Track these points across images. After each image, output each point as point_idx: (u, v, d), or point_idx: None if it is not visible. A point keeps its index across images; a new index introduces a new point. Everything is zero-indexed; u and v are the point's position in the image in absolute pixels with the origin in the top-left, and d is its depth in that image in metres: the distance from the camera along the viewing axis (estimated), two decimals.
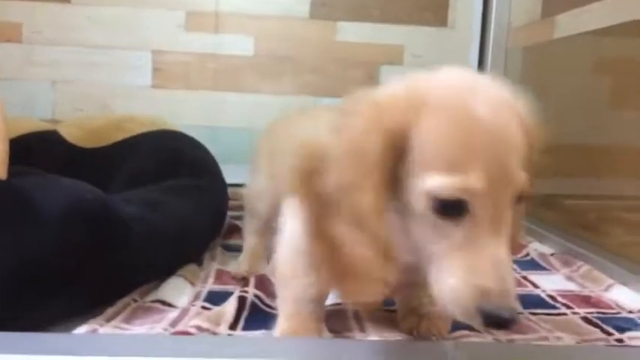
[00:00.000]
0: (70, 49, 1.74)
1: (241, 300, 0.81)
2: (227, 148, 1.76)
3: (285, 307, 0.72)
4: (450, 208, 0.49)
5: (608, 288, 0.99)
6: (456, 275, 0.49)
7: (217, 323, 0.75)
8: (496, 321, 0.47)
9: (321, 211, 0.52)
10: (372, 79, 1.81)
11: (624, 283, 0.98)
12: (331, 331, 0.75)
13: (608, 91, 1.26)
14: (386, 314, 0.82)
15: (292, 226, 0.67)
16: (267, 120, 1.77)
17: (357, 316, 0.82)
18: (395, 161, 0.51)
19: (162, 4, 1.73)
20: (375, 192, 0.50)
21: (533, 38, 1.55)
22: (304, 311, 0.70)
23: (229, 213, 1.49)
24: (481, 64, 1.78)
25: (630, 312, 0.89)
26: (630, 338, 0.77)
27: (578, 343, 0.75)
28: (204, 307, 0.83)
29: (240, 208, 1.56)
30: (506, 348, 0.70)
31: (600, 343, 0.75)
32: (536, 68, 1.58)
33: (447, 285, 0.49)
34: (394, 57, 1.80)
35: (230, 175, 1.74)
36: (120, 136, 1.25)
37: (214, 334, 0.73)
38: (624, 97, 1.20)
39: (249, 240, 1.08)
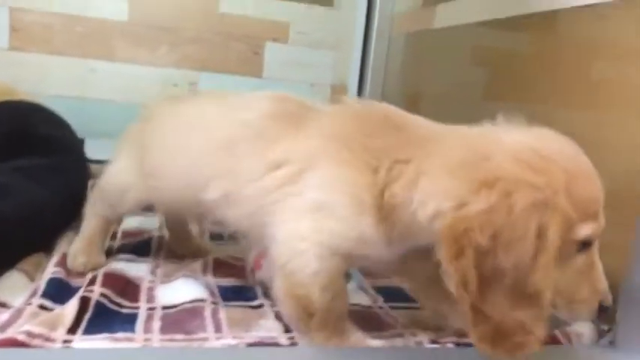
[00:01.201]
0: None
1: (84, 301, 0.74)
2: (96, 122, 1.63)
3: (325, 333, 0.68)
4: (589, 241, 0.59)
5: None
6: (585, 290, 0.60)
7: (54, 327, 0.68)
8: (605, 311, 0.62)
9: (475, 281, 0.55)
10: (256, 54, 1.75)
11: None
12: None
13: (483, 83, 1.30)
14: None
15: (315, 253, 0.65)
16: (142, 93, 1.68)
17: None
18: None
19: None
20: (552, 269, 0.56)
21: (414, 26, 1.56)
22: (345, 322, 0.70)
23: None
24: (365, 47, 1.78)
25: None
26: None
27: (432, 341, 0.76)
28: (41, 306, 0.74)
29: None
30: None
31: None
32: (417, 56, 1.60)
33: (580, 297, 0.61)
34: (279, 34, 1.75)
35: (98, 151, 1.62)
36: None
37: (48, 339, 0.65)
38: (499, 89, 1.24)
39: (91, 223, 0.94)
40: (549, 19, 0.99)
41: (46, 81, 1.59)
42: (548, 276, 0.55)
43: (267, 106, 0.76)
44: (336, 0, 1.78)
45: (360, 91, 1.81)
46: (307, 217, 0.66)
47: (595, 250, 0.61)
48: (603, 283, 0.61)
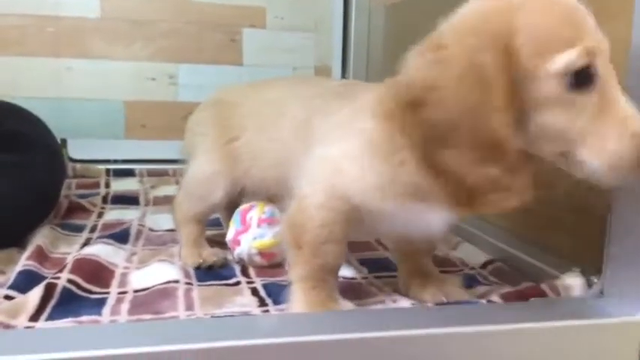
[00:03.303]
0: None
1: (50, 287, 0.71)
2: (75, 122, 1.61)
3: (307, 277, 0.67)
4: (583, 78, 0.52)
5: (456, 246, 0.99)
6: (611, 138, 0.51)
7: (15, 315, 0.65)
8: None
9: (429, 139, 0.53)
10: (234, 42, 1.72)
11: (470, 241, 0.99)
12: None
13: None
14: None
15: (325, 188, 0.66)
16: (120, 89, 1.65)
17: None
18: (510, 70, 0.52)
19: None
20: (506, 106, 0.51)
21: None
22: (331, 280, 0.68)
23: (75, 191, 1.37)
24: (345, 24, 1.74)
25: (472, 268, 0.89)
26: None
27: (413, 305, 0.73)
28: (6, 297, 0.72)
29: (93, 185, 1.45)
30: None
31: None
32: (398, 26, 1.56)
33: (604, 154, 0.52)
34: (256, 19, 1.72)
35: (80, 150, 1.61)
36: None
37: (7, 327, 0.63)
38: None
39: (187, 230, 0.93)
40: None
41: (22, 83, 1.57)
42: (503, 121, 0.51)
43: (336, 89, 0.80)
44: None
45: (344, 70, 1.78)
46: (327, 164, 0.67)
47: (610, 83, 0.53)
48: (634, 120, 0.52)
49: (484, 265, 0.89)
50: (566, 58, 0.51)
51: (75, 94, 1.61)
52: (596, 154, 0.52)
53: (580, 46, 0.51)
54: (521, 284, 0.77)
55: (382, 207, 0.64)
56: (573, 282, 0.72)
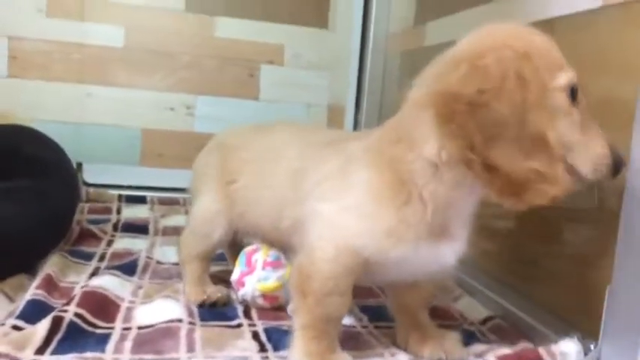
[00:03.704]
0: None
1: (57, 320, 0.73)
2: (92, 146, 1.65)
3: (309, 326, 0.69)
4: (574, 95, 0.63)
5: (457, 298, 1.00)
6: (595, 144, 0.64)
7: (21, 347, 0.67)
8: (621, 162, 0.64)
9: (481, 138, 0.58)
10: (252, 77, 1.76)
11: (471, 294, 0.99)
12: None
13: None
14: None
15: (335, 244, 0.67)
16: (138, 117, 1.69)
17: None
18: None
19: None
20: (543, 104, 0.60)
21: (407, 45, 1.56)
22: (333, 331, 0.70)
23: (87, 216, 1.39)
24: (361, 65, 1.78)
25: (471, 323, 0.90)
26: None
27: None
28: (14, 327, 0.74)
29: (105, 211, 1.47)
30: None
31: None
32: (412, 74, 1.59)
33: (592, 154, 0.63)
34: (274, 56, 1.76)
35: (94, 175, 1.64)
36: None
37: (15, 359, 0.65)
38: None
39: (191, 267, 0.94)
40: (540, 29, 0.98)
41: (43, 107, 1.61)
42: (543, 115, 0.60)
43: (327, 137, 0.83)
44: (330, 22, 1.80)
45: (357, 110, 1.81)
46: (336, 219, 0.69)
47: (583, 103, 0.64)
48: (606, 141, 0.64)
49: (484, 322, 0.90)
50: (569, 75, 0.63)
51: (94, 119, 1.65)
52: (584, 159, 0.63)
53: (570, 69, 0.63)
54: (519, 344, 0.78)
55: (393, 254, 0.66)
56: (570, 349, 0.73)
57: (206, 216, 0.93)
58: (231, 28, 1.73)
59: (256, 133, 0.96)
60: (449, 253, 0.68)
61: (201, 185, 0.96)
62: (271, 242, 0.90)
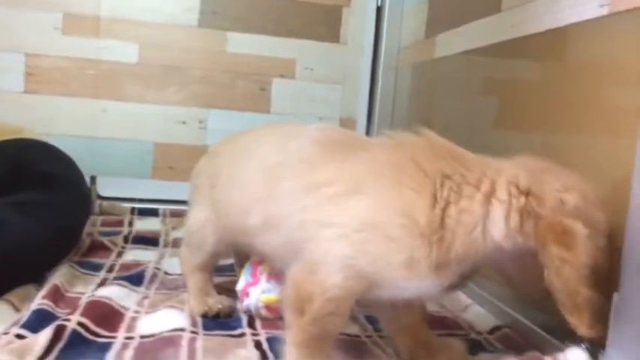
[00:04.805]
0: None
1: (59, 329, 0.73)
2: (106, 160, 1.67)
3: (302, 344, 0.66)
4: None
5: (465, 308, 0.98)
6: None
7: (23, 356, 0.67)
8: None
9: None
10: (264, 91, 1.77)
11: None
12: None
13: (487, 109, 1.28)
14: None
15: (343, 268, 0.64)
16: (151, 131, 1.72)
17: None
18: None
19: (37, 5, 1.62)
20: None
21: (418, 57, 1.56)
22: (326, 347, 0.67)
23: (100, 229, 1.41)
24: (373, 78, 1.78)
25: (479, 333, 0.88)
26: None
27: None
28: (18, 336, 0.74)
29: (117, 223, 1.49)
30: None
31: None
32: (423, 87, 1.59)
33: None
34: (286, 70, 1.77)
35: (108, 188, 1.66)
36: None
37: None
38: (504, 116, 1.21)
39: (193, 279, 0.93)
40: (547, 39, 0.97)
41: (59, 121, 1.64)
42: (607, 266, 0.66)
43: (316, 134, 0.77)
44: (342, 36, 1.80)
45: (369, 123, 1.81)
46: (348, 239, 0.64)
47: None
48: None
49: (491, 331, 0.88)
50: None
51: (108, 133, 1.68)
52: None
53: None
54: (527, 353, 0.76)
55: (403, 284, 0.64)
56: (578, 357, 0.71)
57: (197, 227, 0.91)
58: (243, 43, 1.75)
59: (234, 137, 0.94)
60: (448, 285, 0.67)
61: (194, 195, 0.95)
62: (240, 248, 0.89)
